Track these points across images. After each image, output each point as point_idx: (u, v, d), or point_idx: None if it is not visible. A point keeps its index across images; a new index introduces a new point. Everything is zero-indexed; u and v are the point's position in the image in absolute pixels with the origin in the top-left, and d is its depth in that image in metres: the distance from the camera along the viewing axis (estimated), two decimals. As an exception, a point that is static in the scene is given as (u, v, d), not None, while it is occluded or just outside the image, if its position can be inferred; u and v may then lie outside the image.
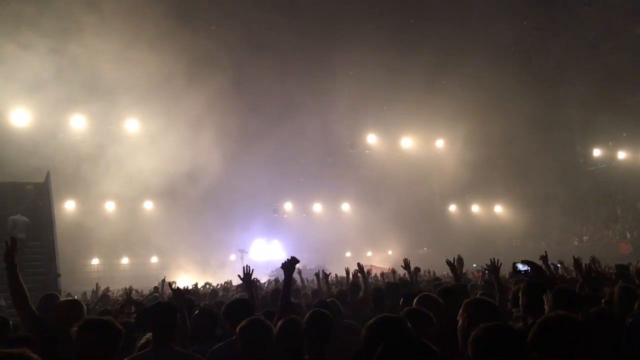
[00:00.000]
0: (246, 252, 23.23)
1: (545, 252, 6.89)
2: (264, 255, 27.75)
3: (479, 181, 32.62)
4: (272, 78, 24.43)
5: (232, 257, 27.02)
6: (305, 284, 12.97)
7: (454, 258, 6.29)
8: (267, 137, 27.20)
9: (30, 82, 19.90)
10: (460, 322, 3.15)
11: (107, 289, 9.40)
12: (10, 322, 4.63)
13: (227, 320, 4.23)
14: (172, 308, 3.87)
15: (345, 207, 32.10)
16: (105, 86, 21.52)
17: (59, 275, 11.16)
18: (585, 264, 5.41)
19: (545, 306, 3.50)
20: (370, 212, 30.45)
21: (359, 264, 7.59)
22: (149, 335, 3.84)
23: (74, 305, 4.47)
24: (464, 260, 8.53)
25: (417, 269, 8.67)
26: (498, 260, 5.42)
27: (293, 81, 24.69)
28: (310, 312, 3.88)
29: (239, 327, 3.49)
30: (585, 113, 29.74)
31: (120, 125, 24.28)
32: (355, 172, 31.51)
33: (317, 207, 31.27)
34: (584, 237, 30.75)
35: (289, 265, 4.69)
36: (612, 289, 4.52)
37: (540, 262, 5.63)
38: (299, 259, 4.81)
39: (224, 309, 4.42)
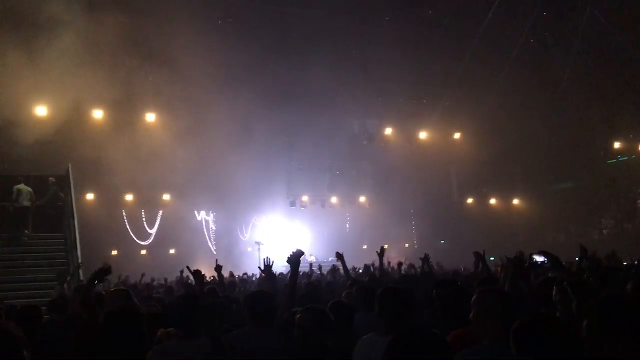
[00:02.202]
0: (262, 244, 23.31)
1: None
2: (281, 247, 27.85)
3: (497, 174, 32.41)
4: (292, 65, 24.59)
5: (249, 249, 27.19)
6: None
7: (482, 250, 6.37)
8: (282, 129, 27.37)
9: (51, 75, 20.19)
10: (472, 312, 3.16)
11: (127, 277, 9.56)
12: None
13: (248, 310, 4.21)
14: (195, 299, 3.94)
15: (362, 199, 32.06)
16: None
17: (81, 265, 11.39)
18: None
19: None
20: (387, 205, 30.43)
21: (382, 248, 7.57)
22: (161, 331, 3.91)
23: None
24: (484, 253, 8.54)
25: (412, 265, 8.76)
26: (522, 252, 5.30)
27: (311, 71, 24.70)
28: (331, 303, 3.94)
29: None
30: (605, 106, 29.40)
31: (140, 118, 24.52)
32: (372, 165, 31.51)
33: (334, 200, 31.29)
34: (604, 230, 30.45)
35: (295, 258, 4.71)
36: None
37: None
38: (314, 251, 4.86)
39: (245, 299, 4.45)
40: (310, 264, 16.28)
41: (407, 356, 2.15)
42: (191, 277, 9.41)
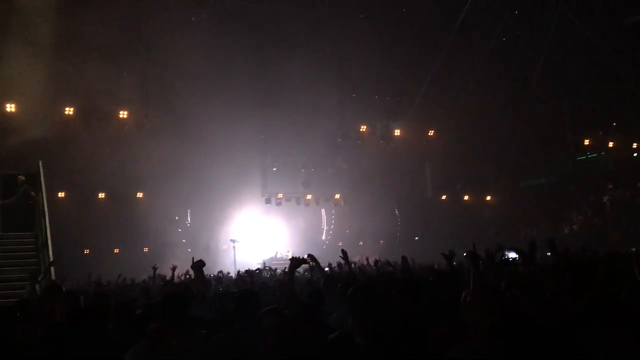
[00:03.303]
0: (237, 242, 23.28)
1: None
2: (256, 245, 27.82)
3: (470, 171, 32.83)
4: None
5: (224, 246, 27.09)
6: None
7: (449, 251, 6.46)
8: (257, 126, 27.33)
9: (22, 73, 19.89)
10: None
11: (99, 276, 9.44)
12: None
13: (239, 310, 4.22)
14: (182, 297, 3.97)
15: (337, 197, 32.16)
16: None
17: (52, 263, 11.24)
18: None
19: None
20: (362, 202, 30.62)
21: (343, 251, 7.65)
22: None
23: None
24: (456, 250, 8.68)
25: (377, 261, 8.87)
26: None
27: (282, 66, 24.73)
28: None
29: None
30: (575, 103, 30.03)
31: (112, 114, 24.22)
32: (347, 162, 31.63)
33: (309, 197, 31.33)
34: (574, 226, 31.04)
35: (297, 262, 4.85)
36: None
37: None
38: (290, 248, 4.94)
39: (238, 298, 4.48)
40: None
41: None
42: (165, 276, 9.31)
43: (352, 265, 13.34)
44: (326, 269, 12.12)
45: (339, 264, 8.85)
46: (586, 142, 30.75)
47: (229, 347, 3.78)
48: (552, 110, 30.15)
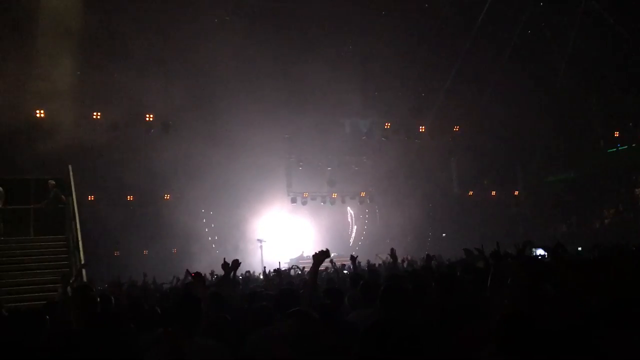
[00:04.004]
0: (264, 242, 23.34)
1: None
2: (283, 245, 27.89)
3: (498, 166, 32.45)
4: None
5: (251, 246, 27.20)
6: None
7: (476, 248, 6.36)
8: (281, 125, 27.45)
9: (50, 78, 20.29)
10: None
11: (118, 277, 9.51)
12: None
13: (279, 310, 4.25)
14: (195, 299, 3.97)
15: (363, 194, 32.07)
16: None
17: (85, 265, 11.44)
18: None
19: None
20: (388, 199, 30.54)
21: (392, 249, 7.71)
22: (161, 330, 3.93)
23: None
24: (484, 246, 8.57)
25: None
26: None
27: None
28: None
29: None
30: (605, 95, 29.41)
31: (139, 116, 24.58)
32: (372, 159, 31.49)
33: (335, 195, 31.31)
34: (606, 220, 30.45)
35: (320, 257, 4.72)
36: None
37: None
38: (317, 247, 4.85)
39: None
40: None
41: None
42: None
43: (380, 263, 13.29)
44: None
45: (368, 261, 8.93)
46: (616, 134, 30.10)
47: (266, 347, 3.73)
48: (581, 102, 29.60)
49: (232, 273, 6.39)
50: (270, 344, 3.58)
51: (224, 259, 6.29)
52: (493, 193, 33.78)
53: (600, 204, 31.35)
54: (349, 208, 33.08)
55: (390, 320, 2.76)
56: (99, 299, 4.81)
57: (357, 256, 8.64)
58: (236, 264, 6.23)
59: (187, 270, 7.21)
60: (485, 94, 28.00)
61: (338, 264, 13.52)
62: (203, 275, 5.06)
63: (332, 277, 9.65)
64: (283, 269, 15.53)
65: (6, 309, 6.79)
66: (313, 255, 4.68)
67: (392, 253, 8.07)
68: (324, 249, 4.70)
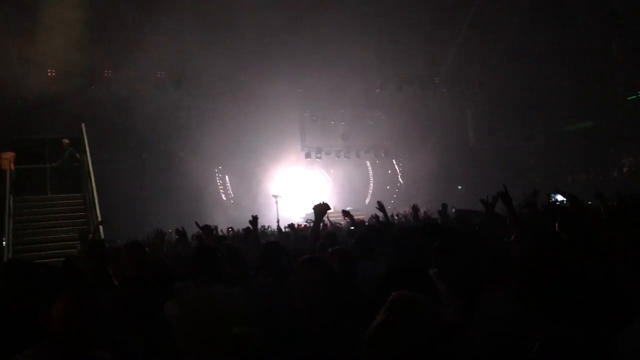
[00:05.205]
0: (279, 197, 23.39)
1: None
2: (299, 200, 27.96)
3: (513, 116, 31.95)
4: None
5: (266, 202, 27.35)
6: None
7: (487, 196, 6.19)
8: (294, 80, 27.13)
9: (60, 37, 20.12)
10: None
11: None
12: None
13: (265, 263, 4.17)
14: (211, 250, 3.97)
15: (378, 148, 31.89)
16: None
17: (102, 222, 11.53)
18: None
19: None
20: (404, 152, 30.35)
21: (378, 202, 7.58)
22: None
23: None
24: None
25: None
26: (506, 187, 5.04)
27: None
28: None
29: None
30: (624, 40, 28.51)
31: (150, 73, 24.40)
32: (386, 113, 31.18)
33: (350, 150, 31.16)
34: (624, 169, 30.00)
35: (321, 208, 4.60)
36: None
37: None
38: (332, 201, 4.78)
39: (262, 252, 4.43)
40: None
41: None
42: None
43: (397, 216, 13.25)
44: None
45: (376, 216, 8.94)
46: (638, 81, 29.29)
47: (263, 296, 3.73)
48: (600, 47, 28.73)
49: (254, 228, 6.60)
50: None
51: (252, 216, 6.51)
52: (509, 144, 33.35)
53: (619, 153, 30.82)
54: (367, 162, 32.96)
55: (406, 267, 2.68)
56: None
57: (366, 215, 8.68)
58: (254, 220, 6.42)
59: (195, 222, 7.29)
60: (502, 42, 27.30)
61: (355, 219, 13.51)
62: (213, 228, 5.05)
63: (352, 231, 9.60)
64: (297, 224, 15.62)
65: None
66: (314, 207, 4.54)
67: (414, 207, 8.33)
68: (322, 202, 4.60)
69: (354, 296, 3.27)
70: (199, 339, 3.38)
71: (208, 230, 4.61)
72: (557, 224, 4.40)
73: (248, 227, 7.90)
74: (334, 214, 17.50)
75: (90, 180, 14.22)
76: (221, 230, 12.73)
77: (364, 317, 1.96)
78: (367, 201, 30.79)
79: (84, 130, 16.00)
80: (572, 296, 2.12)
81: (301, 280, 2.67)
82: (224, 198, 28.46)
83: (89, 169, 14.65)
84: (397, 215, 16.66)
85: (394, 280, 2.55)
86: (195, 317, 3.45)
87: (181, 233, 7.44)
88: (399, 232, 6.90)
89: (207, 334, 3.36)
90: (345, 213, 8.61)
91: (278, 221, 19.52)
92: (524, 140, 33.49)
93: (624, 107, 29.81)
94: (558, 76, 29.20)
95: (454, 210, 13.11)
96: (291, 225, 12.03)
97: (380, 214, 7.54)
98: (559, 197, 9.95)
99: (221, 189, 28.61)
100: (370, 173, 33.33)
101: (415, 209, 8.55)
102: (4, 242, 12.05)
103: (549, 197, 9.97)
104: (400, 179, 32.60)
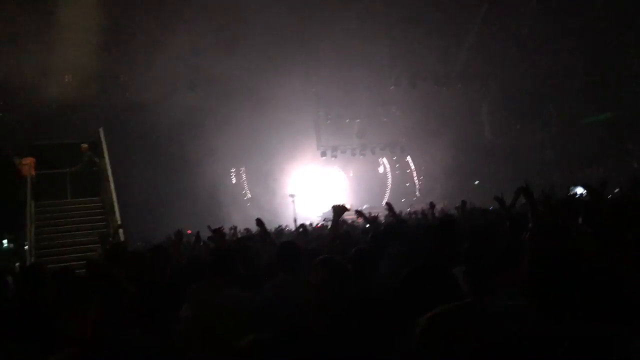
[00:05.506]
0: (296, 196, 23.48)
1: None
2: (315, 199, 28.02)
3: (530, 110, 31.62)
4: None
5: (283, 201, 27.45)
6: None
7: (501, 193, 6.17)
8: (308, 80, 27.15)
9: (77, 43, 20.41)
10: None
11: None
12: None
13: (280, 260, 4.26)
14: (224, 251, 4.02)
15: (393, 145, 31.79)
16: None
17: (121, 226, 11.69)
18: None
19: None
20: (419, 149, 30.24)
21: (387, 204, 7.71)
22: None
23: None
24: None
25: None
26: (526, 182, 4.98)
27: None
28: None
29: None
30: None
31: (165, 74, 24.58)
32: (401, 110, 31.08)
33: (365, 148, 31.10)
34: (644, 159, 29.55)
35: (340, 209, 4.70)
36: None
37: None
38: (349, 199, 4.85)
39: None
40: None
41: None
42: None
43: (415, 213, 13.27)
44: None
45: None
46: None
47: (274, 299, 3.76)
48: (617, 33, 28.24)
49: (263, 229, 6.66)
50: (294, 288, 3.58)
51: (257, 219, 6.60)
52: (525, 137, 33.02)
53: (638, 144, 30.36)
54: (385, 159, 32.89)
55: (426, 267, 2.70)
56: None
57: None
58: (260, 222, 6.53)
59: (208, 226, 7.40)
60: (516, 35, 27.04)
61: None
62: (232, 228, 5.10)
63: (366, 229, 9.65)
64: (314, 222, 15.67)
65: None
66: (333, 207, 4.65)
67: (431, 204, 8.79)
68: (341, 204, 4.71)
69: (364, 296, 3.31)
70: (208, 343, 3.40)
71: (219, 234, 4.67)
72: (580, 218, 4.38)
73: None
74: (351, 215, 17.52)
75: (110, 184, 14.42)
76: (239, 231, 12.83)
77: (371, 317, 1.99)
78: (385, 198, 30.72)
79: (102, 135, 16.22)
80: (579, 294, 2.12)
81: (313, 279, 2.75)
82: (243, 198, 28.63)
83: (107, 173, 14.86)
84: (415, 213, 16.58)
85: (417, 280, 2.58)
86: (206, 320, 3.49)
87: (196, 236, 7.55)
88: (414, 230, 6.91)
89: (217, 337, 3.37)
90: (359, 213, 8.64)
91: (295, 220, 19.62)
92: (540, 133, 33.13)
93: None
94: (574, 68, 28.80)
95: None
96: (303, 225, 12.07)
97: (393, 213, 7.60)
98: (579, 190, 9.87)
99: (239, 189, 28.77)
100: (388, 170, 33.26)
101: (432, 206, 8.66)
102: (26, 247, 12.27)
103: (568, 190, 9.91)
104: (416, 176, 32.48)
